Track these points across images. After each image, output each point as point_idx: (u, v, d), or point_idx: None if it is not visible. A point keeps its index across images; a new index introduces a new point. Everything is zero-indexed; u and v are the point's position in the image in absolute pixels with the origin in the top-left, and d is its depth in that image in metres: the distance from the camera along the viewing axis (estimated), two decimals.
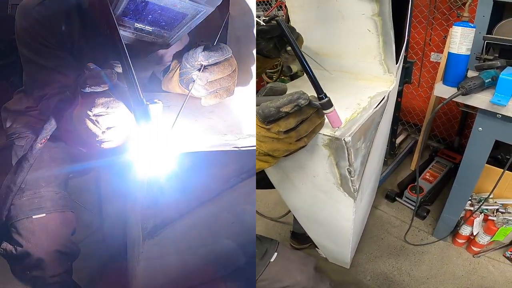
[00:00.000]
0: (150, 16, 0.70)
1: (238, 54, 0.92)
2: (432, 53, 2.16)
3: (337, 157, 0.76)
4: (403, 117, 2.48)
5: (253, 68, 0.91)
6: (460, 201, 1.52)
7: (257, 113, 0.62)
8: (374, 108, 0.79)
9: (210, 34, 0.83)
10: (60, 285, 1.01)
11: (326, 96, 0.64)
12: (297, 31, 0.87)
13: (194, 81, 0.76)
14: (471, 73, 1.29)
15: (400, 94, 1.93)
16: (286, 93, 0.66)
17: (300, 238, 1.68)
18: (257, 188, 1.03)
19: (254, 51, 0.88)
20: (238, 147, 0.76)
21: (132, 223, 1.02)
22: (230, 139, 0.77)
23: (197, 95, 0.78)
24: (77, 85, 0.61)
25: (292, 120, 0.62)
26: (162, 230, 0.90)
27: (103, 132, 0.61)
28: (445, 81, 1.29)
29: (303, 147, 0.68)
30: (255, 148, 0.68)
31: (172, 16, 0.72)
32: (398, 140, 2.37)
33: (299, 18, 1.01)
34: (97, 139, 0.61)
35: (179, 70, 0.81)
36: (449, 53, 1.26)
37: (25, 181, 0.92)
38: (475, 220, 1.53)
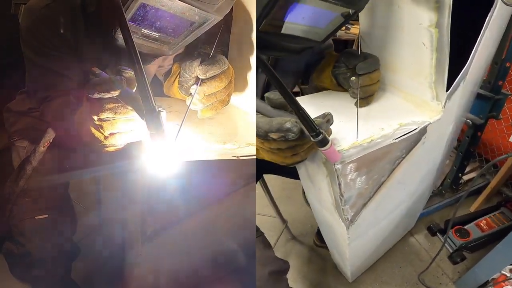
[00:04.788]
0: (158, 23, 0.70)
1: (240, 59, 0.91)
2: None
3: (332, 180, 0.70)
4: (483, 154, 2.19)
5: (252, 75, 0.89)
6: (498, 263, 1.33)
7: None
8: (394, 139, 0.69)
9: (212, 36, 0.81)
10: (59, 285, 1.02)
11: (320, 133, 0.53)
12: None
13: (191, 94, 0.77)
14: None
15: (481, 128, 1.74)
16: (280, 113, 0.59)
17: (322, 236, 1.65)
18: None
19: (254, 58, 0.85)
20: (238, 156, 0.76)
21: (131, 226, 1.03)
22: (230, 147, 0.77)
23: (194, 108, 0.79)
24: (82, 89, 0.60)
25: (282, 144, 0.58)
26: (161, 233, 0.91)
27: (106, 137, 0.60)
28: None
29: (301, 161, 0.64)
30: (254, 157, 0.67)
31: (180, 24, 0.71)
32: (467, 177, 2.14)
33: (367, 23, 0.92)
34: (99, 144, 0.61)
35: (179, 77, 0.82)
36: None
37: (28, 182, 0.93)
38: (505, 287, 1.35)
